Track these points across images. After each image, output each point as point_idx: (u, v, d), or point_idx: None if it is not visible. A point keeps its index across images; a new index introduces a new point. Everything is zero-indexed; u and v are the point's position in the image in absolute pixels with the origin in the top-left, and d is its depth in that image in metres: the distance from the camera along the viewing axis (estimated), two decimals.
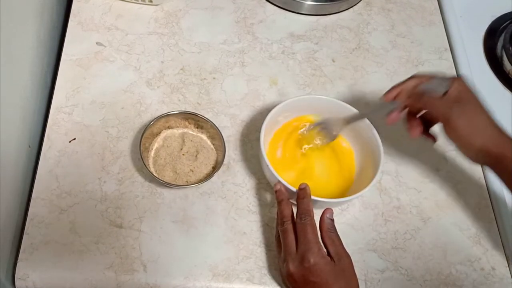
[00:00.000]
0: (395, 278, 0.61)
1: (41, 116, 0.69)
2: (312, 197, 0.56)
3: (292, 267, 0.52)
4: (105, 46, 0.73)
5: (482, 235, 0.66)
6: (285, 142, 0.66)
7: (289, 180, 0.58)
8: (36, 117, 0.67)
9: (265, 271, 0.60)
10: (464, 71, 0.79)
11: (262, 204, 0.64)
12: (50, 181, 0.62)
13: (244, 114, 0.71)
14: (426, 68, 0.79)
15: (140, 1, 0.77)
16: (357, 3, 0.85)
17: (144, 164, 0.61)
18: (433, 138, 0.60)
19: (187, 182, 0.63)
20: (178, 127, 0.67)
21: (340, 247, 0.54)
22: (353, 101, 0.74)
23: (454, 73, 0.80)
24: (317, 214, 0.55)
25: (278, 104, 0.63)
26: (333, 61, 0.78)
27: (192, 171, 0.63)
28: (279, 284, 0.59)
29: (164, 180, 0.61)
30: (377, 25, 0.83)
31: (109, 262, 0.58)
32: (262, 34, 0.79)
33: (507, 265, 0.64)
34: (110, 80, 0.71)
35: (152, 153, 0.65)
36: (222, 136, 0.64)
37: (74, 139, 0.65)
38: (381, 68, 0.78)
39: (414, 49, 0.81)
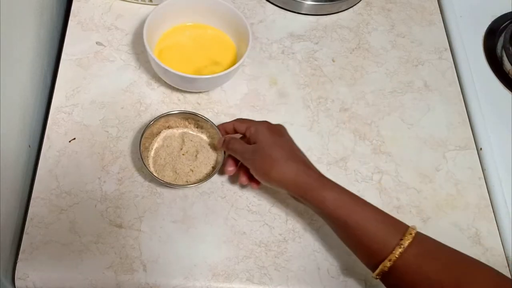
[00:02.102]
0: None
1: (41, 116, 0.69)
2: (205, 76, 0.64)
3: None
4: (105, 46, 0.73)
5: (482, 235, 0.66)
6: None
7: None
8: (36, 117, 0.67)
9: (265, 271, 0.60)
10: (464, 71, 0.80)
11: (262, 204, 0.64)
12: (50, 181, 0.62)
13: (244, 114, 0.71)
14: (426, 68, 0.79)
15: (140, 1, 0.78)
16: (357, 3, 0.85)
17: (144, 164, 0.61)
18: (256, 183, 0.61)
19: (187, 182, 0.63)
20: (178, 127, 0.67)
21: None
22: (353, 101, 0.74)
23: (454, 72, 0.80)
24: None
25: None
26: (333, 61, 0.78)
27: (192, 171, 0.63)
28: (279, 284, 0.59)
29: (164, 180, 0.61)
30: (377, 25, 0.83)
31: (109, 262, 0.58)
32: (262, 34, 0.79)
33: (507, 265, 0.64)
34: (110, 80, 0.71)
35: (152, 153, 0.65)
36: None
37: (74, 139, 0.65)
38: (381, 68, 0.78)
39: (414, 49, 0.81)
